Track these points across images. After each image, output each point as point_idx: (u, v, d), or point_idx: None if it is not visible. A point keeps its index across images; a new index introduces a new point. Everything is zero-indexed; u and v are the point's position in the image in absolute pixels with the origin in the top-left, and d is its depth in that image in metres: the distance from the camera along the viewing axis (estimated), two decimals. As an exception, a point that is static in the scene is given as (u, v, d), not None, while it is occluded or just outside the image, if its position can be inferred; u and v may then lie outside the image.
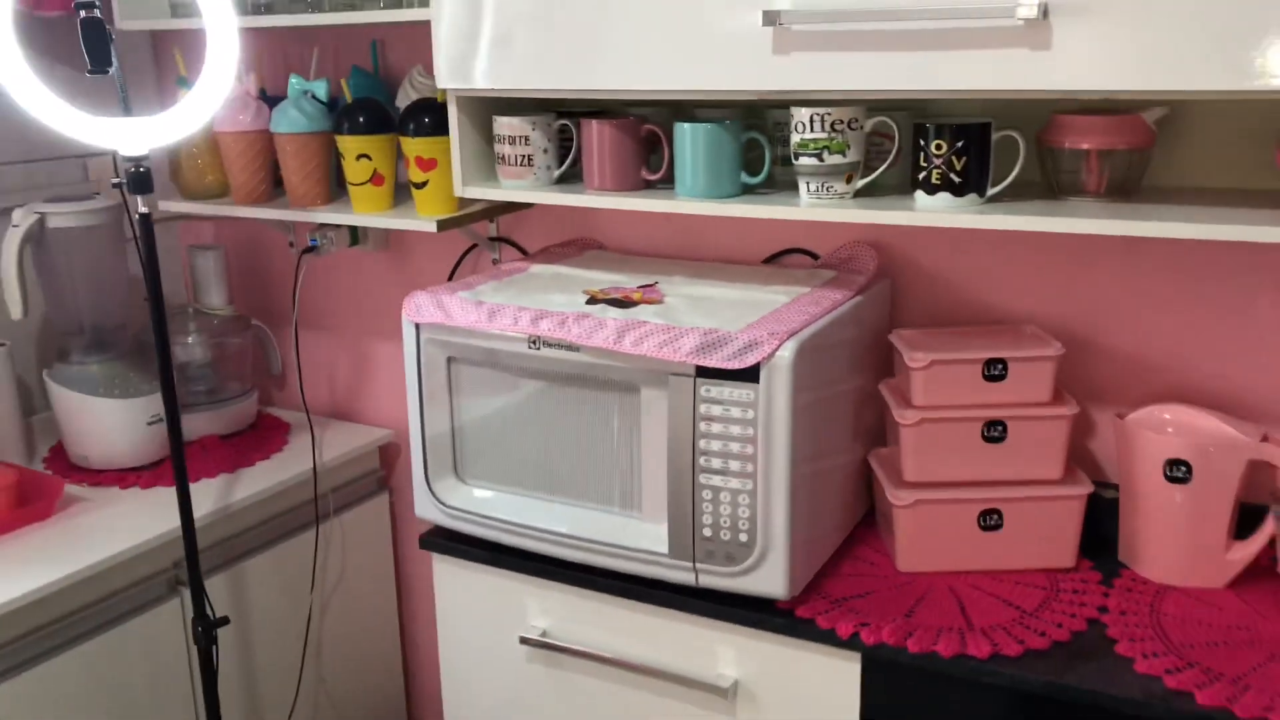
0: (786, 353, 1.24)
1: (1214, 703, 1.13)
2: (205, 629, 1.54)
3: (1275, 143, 1.17)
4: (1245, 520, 1.34)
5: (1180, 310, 1.45)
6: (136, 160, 1.39)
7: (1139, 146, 1.30)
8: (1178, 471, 1.32)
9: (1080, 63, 1.13)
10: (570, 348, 1.35)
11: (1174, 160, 1.37)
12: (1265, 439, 1.32)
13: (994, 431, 1.38)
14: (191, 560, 1.53)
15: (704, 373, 1.27)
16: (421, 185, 1.65)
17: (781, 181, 1.48)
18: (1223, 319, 1.43)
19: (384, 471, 2.13)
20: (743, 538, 1.30)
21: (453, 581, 1.57)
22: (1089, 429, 1.53)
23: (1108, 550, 1.43)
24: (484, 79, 1.47)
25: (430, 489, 1.51)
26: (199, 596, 1.58)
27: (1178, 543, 1.35)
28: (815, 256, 1.65)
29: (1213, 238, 1.17)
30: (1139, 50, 1.11)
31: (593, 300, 1.43)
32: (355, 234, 1.98)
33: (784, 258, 1.68)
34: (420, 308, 1.45)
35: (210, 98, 1.43)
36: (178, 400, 1.55)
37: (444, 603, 1.59)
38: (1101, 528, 1.44)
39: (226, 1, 1.42)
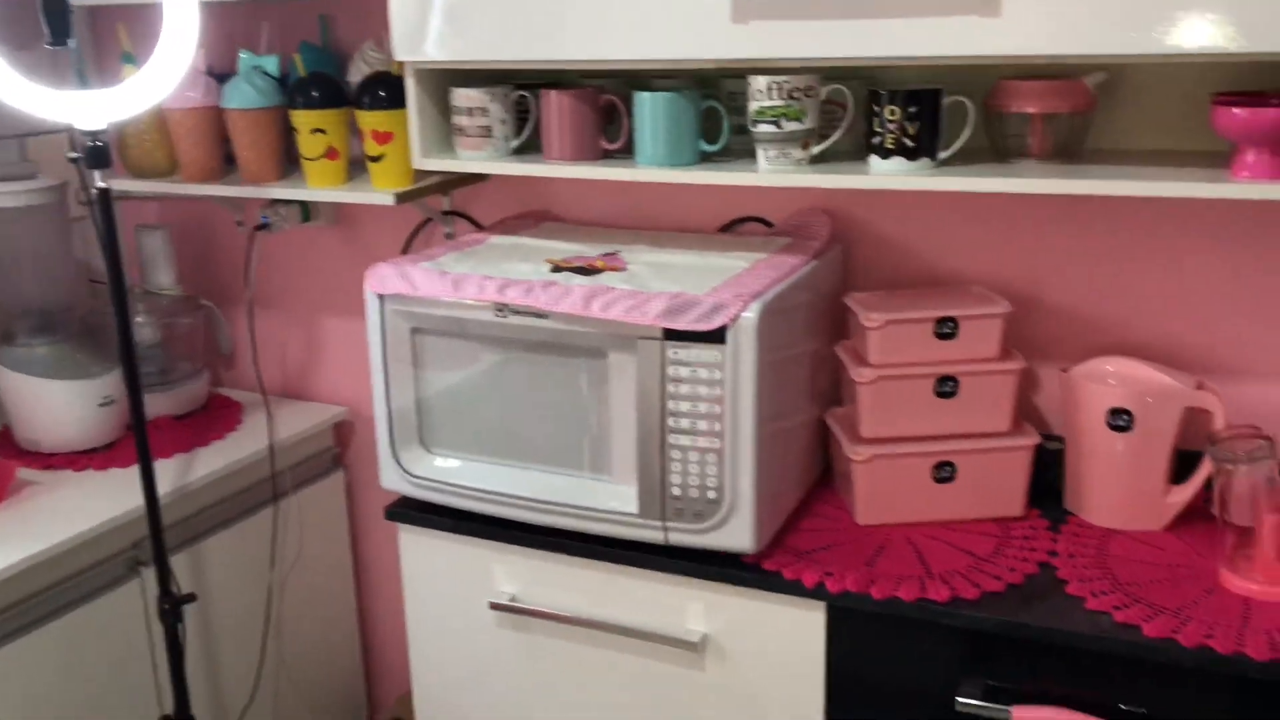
0: (752, 314, 1.28)
1: (1160, 634, 1.20)
2: (171, 606, 1.54)
3: (1209, 103, 1.24)
4: (1182, 465, 1.41)
5: (1120, 267, 1.52)
6: (94, 134, 1.38)
7: (1080, 110, 1.36)
8: (1120, 420, 1.39)
9: (1028, 28, 1.19)
10: (538, 314, 1.37)
11: (1114, 123, 1.43)
12: (1200, 386, 1.40)
13: (946, 387, 1.44)
14: (156, 537, 1.53)
15: (672, 335, 1.31)
16: (377, 159, 1.65)
17: (737, 150, 1.52)
18: (1160, 274, 1.50)
19: (339, 449, 2.13)
20: (711, 495, 1.34)
21: (419, 552, 1.59)
22: (1035, 383, 1.59)
23: (1053, 498, 1.50)
24: (440, 51, 1.48)
25: (396, 460, 1.52)
26: (164, 574, 1.57)
27: (1120, 488, 1.42)
28: (769, 224, 1.69)
29: (1148, 194, 1.23)
30: (1082, 16, 1.16)
31: (557, 268, 1.45)
32: (307, 210, 1.97)
33: (739, 226, 1.72)
34: (384, 279, 1.46)
35: (169, 71, 1.42)
36: (139, 379, 1.54)
37: (411, 573, 1.61)
38: (1049, 477, 1.50)
39: (180, -27, 1.41)
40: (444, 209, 1.90)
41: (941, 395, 1.44)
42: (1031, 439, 1.45)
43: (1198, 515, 1.43)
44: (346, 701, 2.20)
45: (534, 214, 1.83)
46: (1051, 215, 1.53)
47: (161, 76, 1.42)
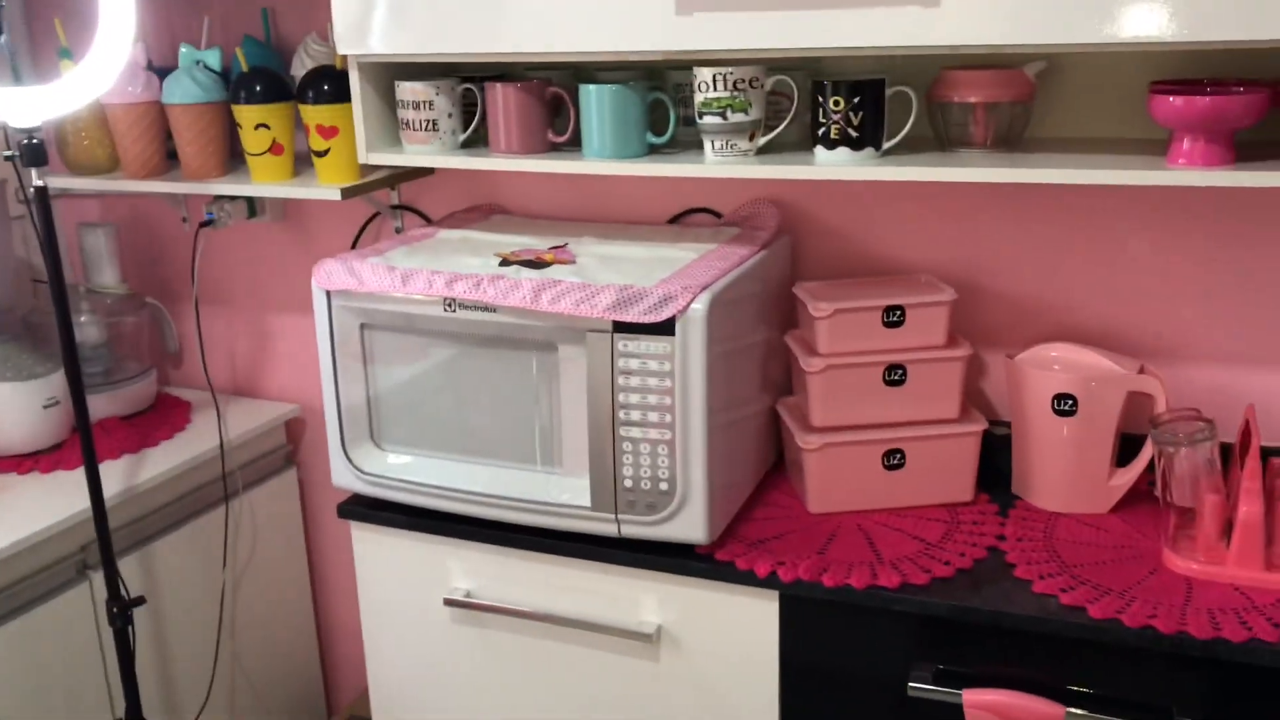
0: (700, 305, 1.29)
1: (1105, 615, 1.22)
2: (120, 609, 1.52)
3: (1146, 91, 1.25)
4: (1126, 449, 1.44)
5: (1063, 254, 1.54)
6: (29, 132, 1.35)
7: (1021, 99, 1.37)
8: (1064, 405, 1.41)
9: (967, 19, 1.20)
10: (486, 309, 1.36)
11: (1055, 112, 1.45)
12: (1143, 371, 1.42)
13: (895, 375, 1.45)
14: (104, 540, 1.50)
15: (621, 328, 1.31)
16: (323, 154, 1.63)
17: (684, 141, 1.52)
18: (1101, 260, 1.52)
19: (291, 446, 2.11)
20: (663, 486, 1.34)
21: (373, 549, 1.58)
22: (982, 370, 1.61)
23: (1002, 483, 1.52)
24: (385, 44, 1.47)
25: (347, 457, 1.51)
26: (112, 577, 1.55)
27: (1066, 472, 1.44)
28: (718, 215, 1.70)
29: (1086, 182, 1.25)
30: (1019, 6, 1.17)
31: (506, 262, 1.44)
32: (253, 206, 1.95)
33: (687, 217, 1.72)
34: (331, 274, 1.45)
35: (106, 66, 1.40)
36: (81, 378, 1.51)
37: (365, 571, 1.60)
38: (996, 462, 1.52)
39: (115, -34, 1.38)
40: (392, 203, 1.89)
41: (890, 383, 1.45)
42: (979, 425, 1.46)
43: (1142, 497, 1.45)
44: (304, 701, 2.18)
45: (483, 207, 1.82)
46: (996, 203, 1.55)
47: (96, 73, 1.39)
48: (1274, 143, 1.31)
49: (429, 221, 1.86)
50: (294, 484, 2.10)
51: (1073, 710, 1.22)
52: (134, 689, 1.61)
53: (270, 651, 2.08)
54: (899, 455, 1.46)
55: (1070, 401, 1.40)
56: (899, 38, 1.23)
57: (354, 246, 1.91)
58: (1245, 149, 1.26)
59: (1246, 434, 1.34)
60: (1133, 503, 1.45)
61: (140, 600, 1.57)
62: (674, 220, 1.72)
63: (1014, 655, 1.26)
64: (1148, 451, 1.40)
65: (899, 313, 1.44)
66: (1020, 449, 1.48)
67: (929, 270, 1.60)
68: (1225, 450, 1.40)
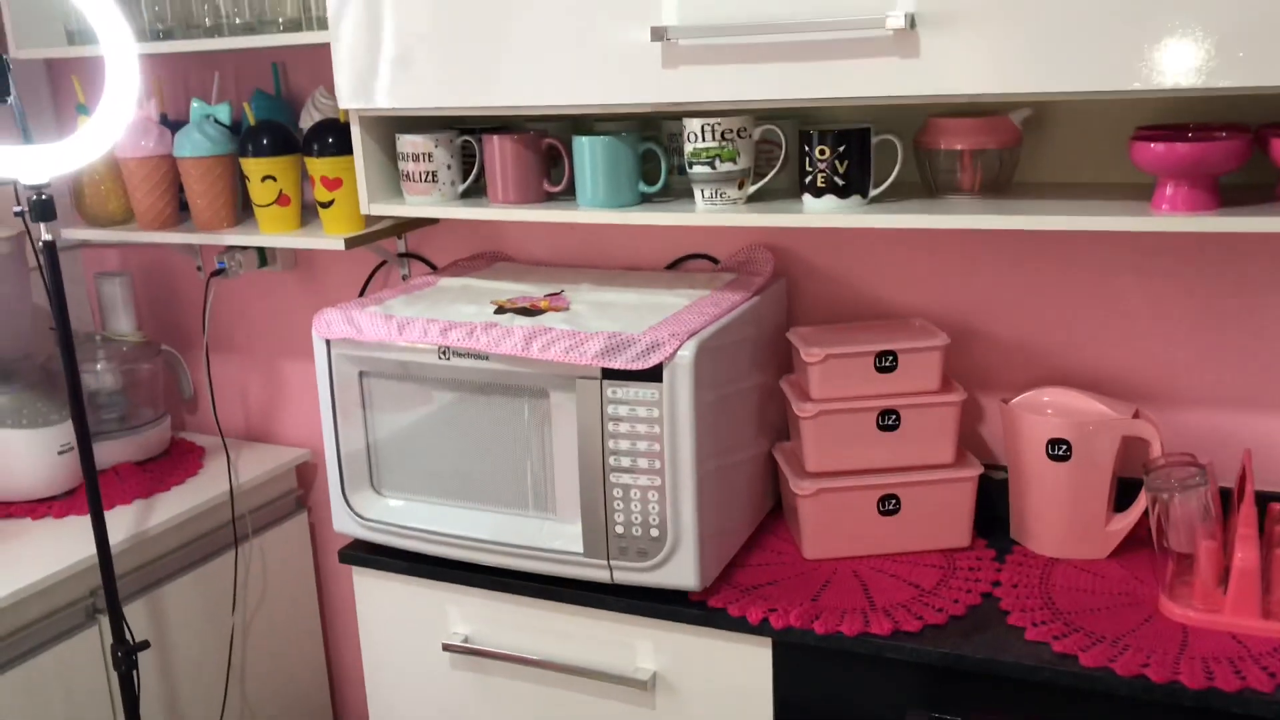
0: (687, 352, 1.30)
1: (1096, 663, 1.21)
2: (125, 654, 1.54)
3: (1129, 139, 1.26)
4: (1124, 493, 1.43)
5: (1056, 298, 1.54)
6: (38, 188, 1.40)
7: (1008, 145, 1.38)
8: (1059, 450, 1.40)
9: (947, 69, 1.21)
10: (479, 356, 1.38)
11: (1042, 158, 1.46)
12: (1137, 415, 1.41)
13: (888, 420, 1.45)
14: (109, 585, 1.53)
15: (610, 374, 1.32)
16: (328, 204, 1.67)
17: (678, 189, 1.54)
18: (1094, 304, 1.52)
19: (302, 491, 2.13)
20: (654, 533, 1.35)
21: (374, 593, 1.59)
22: (979, 414, 1.61)
23: (1001, 528, 1.51)
24: (385, 98, 1.50)
25: (347, 503, 1.53)
26: (117, 621, 1.57)
27: (1062, 517, 1.43)
28: (716, 261, 1.71)
29: (1069, 228, 1.25)
30: (1000, 57, 1.19)
31: (501, 310, 1.46)
32: (264, 255, 1.99)
33: (686, 263, 1.73)
34: (330, 324, 1.48)
35: (111, 124, 1.44)
36: (88, 426, 1.55)
37: (366, 615, 1.61)
38: (995, 507, 1.52)
39: (124, 27, 1.43)
40: (399, 251, 1.92)
41: (884, 428, 1.45)
42: (974, 470, 1.46)
43: (1142, 543, 1.44)
44: (314, 743, 2.19)
45: (488, 254, 1.84)
46: (990, 248, 1.55)
47: (100, 130, 1.44)
48: (1262, 186, 1.31)
49: (434, 269, 1.89)
50: (305, 528, 2.12)
51: (1066, 760, 1.21)
52: (139, 733, 1.63)
53: (281, 695, 2.09)
54: (894, 501, 1.46)
55: (1065, 446, 1.40)
56: (880, 88, 1.24)
57: (361, 294, 1.95)
58: (1232, 192, 1.26)
59: (1245, 479, 1.33)
60: (1132, 548, 1.44)
61: (144, 645, 1.59)
62: (672, 266, 1.74)
63: (1007, 703, 1.25)
64: (1144, 497, 1.39)
65: (891, 358, 1.44)
66: (1017, 494, 1.48)
67: (924, 314, 1.60)
68: (1226, 494, 1.38)
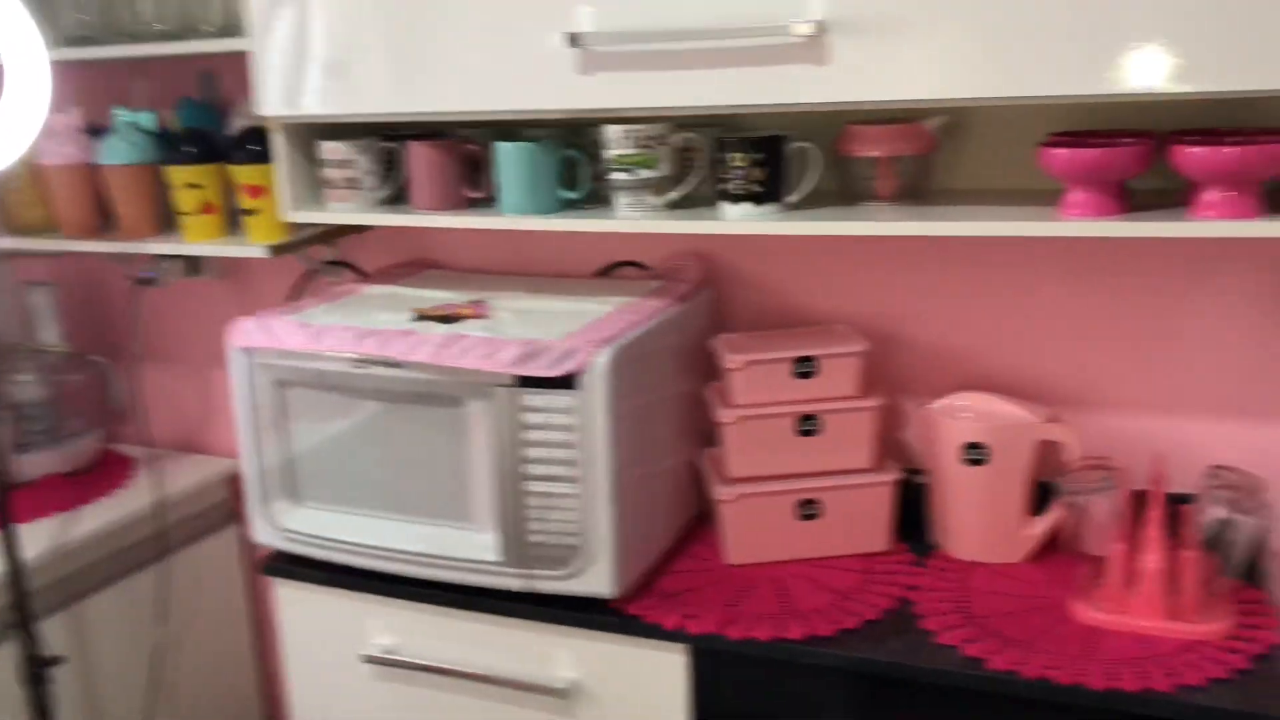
0: (603, 359, 1.30)
1: (1004, 666, 1.21)
2: (36, 667, 1.52)
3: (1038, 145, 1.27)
4: (1044, 498, 1.44)
5: (976, 304, 1.55)
6: (-57, 194, 1.38)
7: (924, 152, 1.39)
8: (975, 454, 1.41)
9: (858, 76, 1.22)
10: (395, 364, 1.38)
11: (959, 165, 1.47)
12: (1053, 419, 1.42)
13: (808, 425, 1.45)
14: (20, 598, 1.50)
15: (525, 382, 1.32)
16: (252, 212, 1.66)
17: (603, 197, 1.54)
18: (1012, 310, 1.53)
19: (234, 502, 2.11)
20: (570, 541, 1.34)
21: (296, 606, 1.58)
22: (902, 420, 1.62)
23: (922, 533, 1.52)
24: (305, 105, 1.49)
25: (267, 514, 1.52)
26: (29, 635, 1.54)
27: (980, 521, 1.44)
28: (645, 268, 1.71)
29: (981, 234, 1.26)
30: (910, 64, 1.20)
31: (420, 317, 1.46)
32: (195, 264, 1.96)
33: (616, 270, 1.73)
34: (247, 333, 1.46)
35: (14, 132, 1.42)
36: (8, 438, 1.52)
37: (289, 627, 1.59)
38: (918, 512, 1.52)
39: (33, 31, 1.41)
40: (329, 260, 1.91)
41: (804, 434, 1.46)
42: (892, 474, 1.46)
43: (1060, 547, 1.45)
44: (248, 759, 2.16)
45: (418, 262, 1.83)
46: (911, 255, 1.56)
47: (6, 138, 1.42)
48: (1175, 191, 1.32)
49: (364, 277, 1.88)
50: (235, 540, 2.09)
51: (977, 763, 1.21)
52: (56, 750, 1.60)
53: (210, 712, 2.06)
54: (814, 505, 1.46)
55: (981, 450, 1.41)
56: (793, 95, 1.25)
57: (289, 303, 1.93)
58: (1143, 197, 1.28)
59: (1157, 482, 1.34)
60: (1051, 552, 1.45)
61: (58, 659, 1.56)
62: (603, 273, 1.74)
63: (917, 707, 1.26)
64: (1059, 501, 1.40)
65: (810, 363, 1.45)
66: (936, 498, 1.49)
67: (849, 321, 1.61)
68: (1144, 498, 1.40)
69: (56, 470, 1.96)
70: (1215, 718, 1.13)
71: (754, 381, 1.45)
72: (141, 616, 1.90)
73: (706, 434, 1.60)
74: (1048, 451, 1.43)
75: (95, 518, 1.82)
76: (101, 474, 2.00)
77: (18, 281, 2.05)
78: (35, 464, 1.92)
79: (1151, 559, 1.26)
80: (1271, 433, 1.45)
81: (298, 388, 1.46)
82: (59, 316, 2.02)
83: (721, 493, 1.45)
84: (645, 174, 1.40)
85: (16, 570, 1.50)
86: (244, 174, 1.63)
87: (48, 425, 1.98)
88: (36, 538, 1.71)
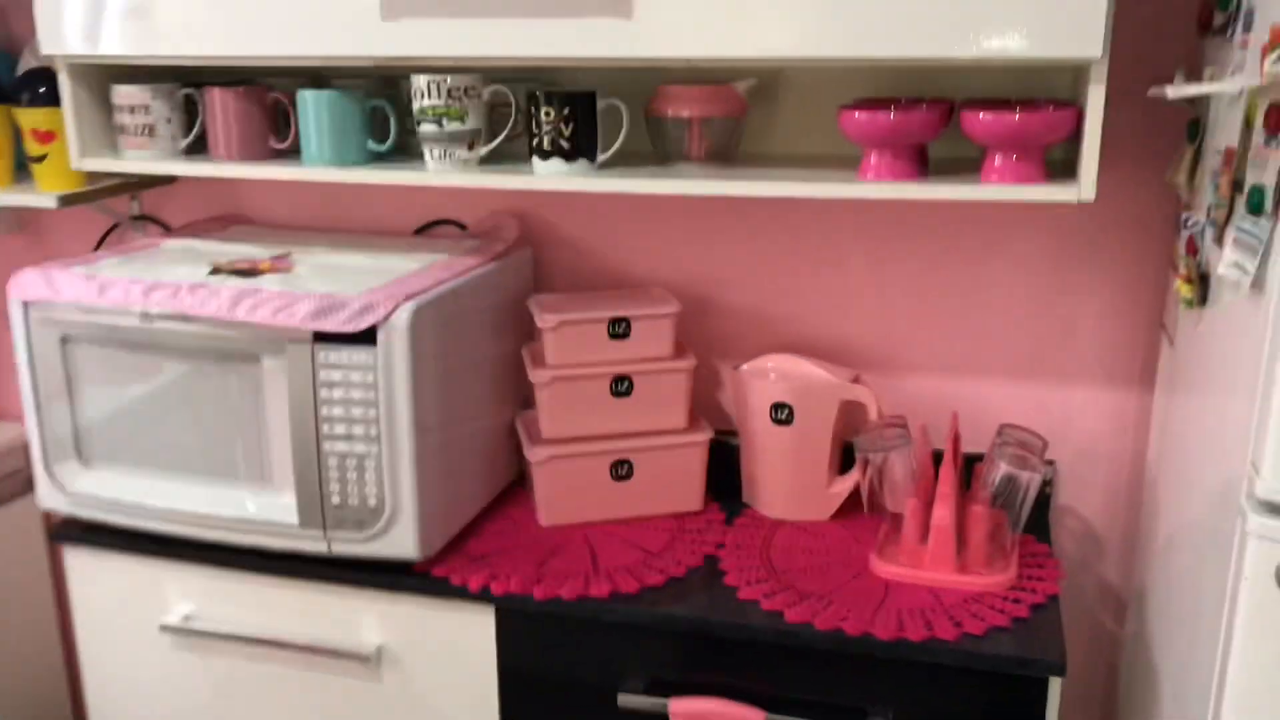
0: (404, 315, 1.26)
1: (800, 619, 1.24)
2: None
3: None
4: (849, 458, 1.47)
5: (785, 268, 1.57)
6: None
7: (733, 114, 1.40)
8: (781, 415, 1.43)
9: (660, 31, 1.21)
10: (184, 319, 1.31)
11: (769, 130, 1.48)
12: (856, 380, 1.46)
13: (621, 386, 1.45)
14: None
15: (321, 338, 1.27)
16: (40, 159, 1.55)
17: (415, 151, 1.50)
18: (822, 274, 1.56)
19: (30, 469, 1.99)
20: (371, 503, 1.31)
21: (88, 574, 1.50)
22: (718, 382, 1.63)
23: (734, 493, 1.54)
24: (87, 45, 1.40)
25: (52, 477, 1.43)
26: None
27: (786, 480, 1.47)
28: (463, 227, 1.68)
29: (782, 194, 1.28)
30: (709, 21, 1.19)
31: (216, 271, 1.39)
32: (-16, 215, 1.84)
33: (435, 229, 1.69)
34: (27, 285, 1.37)
35: None
36: None
37: (79, 596, 1.51)
38: (731, 472, 1.54)
39: None
40: (133, 214, 1.81)
41: (618, 394, 1.46)
42: (705, 435, 1.48)
43: (864, 505, 1.48)
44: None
45: (226, 217, 1.76)
46: (725, 218, 1.58)
47: None
48: (970, 160, 1.36)
49: (169, 232, 1.79)
50: (33, 510, 1.98)
51: (773, 716, 1.24)
52: None
53: (13, 685, 1.95)
54: (627, 466, 1.46)
55: (787, 411, 1.43)
56: (595, 49, 1.24)
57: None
58: (941, 164, 1.31)
59: (953, 440, 1.39)
60: (855, 511, 1.48)
61: None
62: (420, 231, 1.70)
63: (721, 662, 1.27)
64: (859, 460, 1.43)
65: (624, 324, 1.44)
66: (746, 458, 1.51)
67: (665, 284, 1.61)
68: (942, 457, 1.44)
69: None
70: (992, 663, 1.18)
71: (568, 342, 1.43)
72: (-76, 591, 1.78)
73: (526, 396, 1.59)
74: (853, 412, 1.46)
75: None
76: (-120, 441, 1.86)
77: None
78: None
79: (941, 514, 1.31)
80: (1056, 394, 1.52)
81: (86, 345, 1.38)
82: None
83: (533, 454, 1.44)
84: (454, 126, 1.37)
85: None
86: (30, 118, 1.53)
87: None
88: None
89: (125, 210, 1.80)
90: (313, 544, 1.34)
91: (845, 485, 1.47)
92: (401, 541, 1.32)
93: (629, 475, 1.46)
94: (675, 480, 1.48)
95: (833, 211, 1.53)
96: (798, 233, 1.55)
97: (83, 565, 1.50)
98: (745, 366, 1.49)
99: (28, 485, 1.97)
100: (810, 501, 1.47)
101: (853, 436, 1.47)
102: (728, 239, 1.58)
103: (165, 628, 1.45)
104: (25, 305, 1.38)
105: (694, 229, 1.59)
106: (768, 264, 1.58)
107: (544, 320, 1.43)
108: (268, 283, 1.34)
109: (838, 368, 1.48)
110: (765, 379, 1.46)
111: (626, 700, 1.28)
